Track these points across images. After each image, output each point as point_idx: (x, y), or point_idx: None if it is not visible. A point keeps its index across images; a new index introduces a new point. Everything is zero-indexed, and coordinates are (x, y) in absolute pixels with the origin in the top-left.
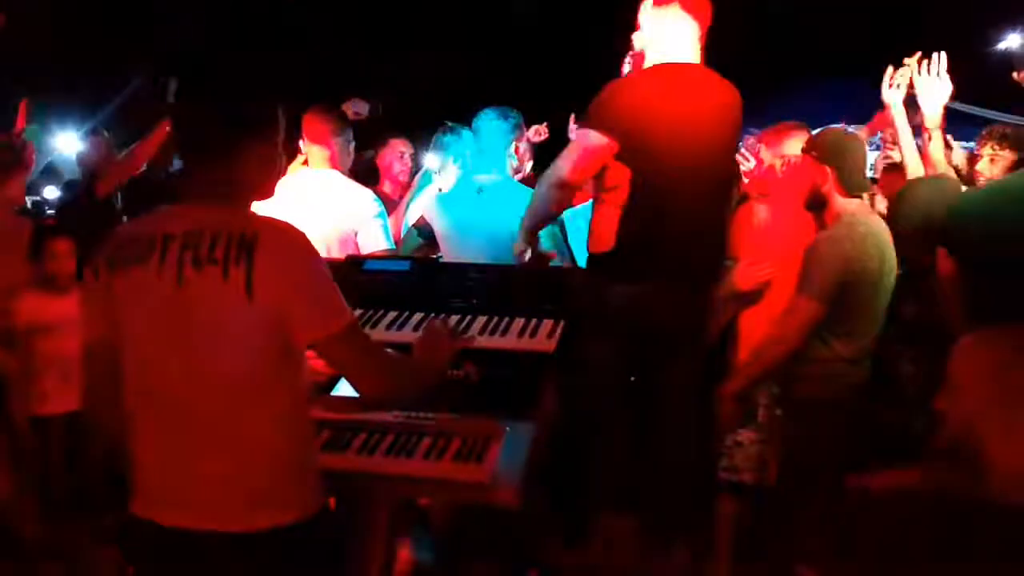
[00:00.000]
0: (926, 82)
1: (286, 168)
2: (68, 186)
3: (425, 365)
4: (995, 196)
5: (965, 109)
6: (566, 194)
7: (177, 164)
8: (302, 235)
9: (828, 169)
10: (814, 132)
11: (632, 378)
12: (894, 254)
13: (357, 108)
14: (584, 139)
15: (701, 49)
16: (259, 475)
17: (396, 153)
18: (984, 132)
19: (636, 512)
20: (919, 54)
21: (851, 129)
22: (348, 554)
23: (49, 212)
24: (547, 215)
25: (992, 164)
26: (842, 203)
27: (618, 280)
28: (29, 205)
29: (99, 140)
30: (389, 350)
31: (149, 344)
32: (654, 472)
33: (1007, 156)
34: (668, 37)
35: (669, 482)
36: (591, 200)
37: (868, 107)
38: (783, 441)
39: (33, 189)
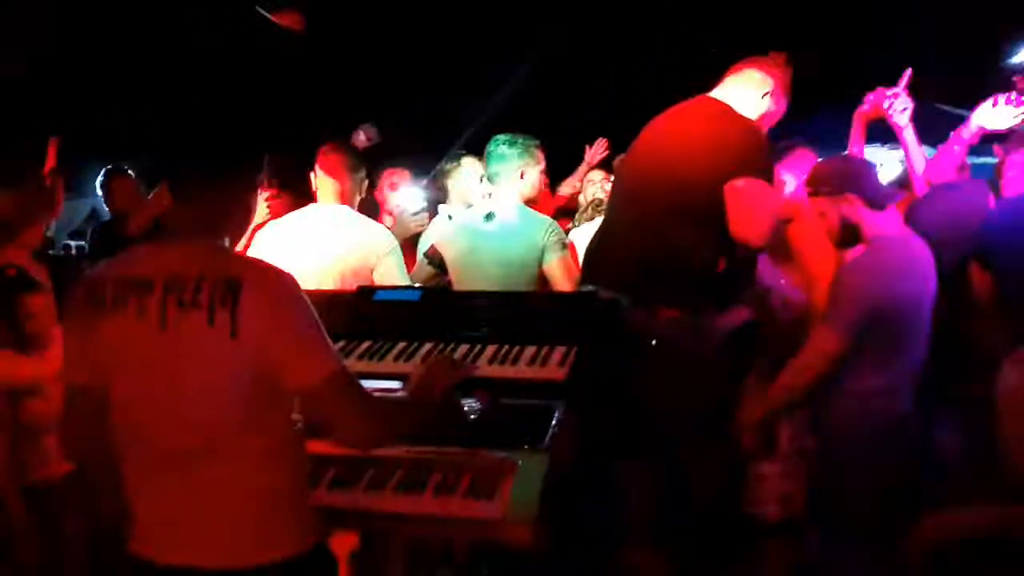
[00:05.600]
0: (999, 110)
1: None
2: (95, 232)
3: (416, 404)
4: None
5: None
6: None
7: None
8: (289, 278)
9: (850, 196)
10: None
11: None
12: (934, 274)
13: (368, 134)
14: None
15: (770, 92)
16: (250, 512)
17: (389, 184)
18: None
19: (661, 547)
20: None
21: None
22: None
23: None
24: None
25: None
26: (874, 224)
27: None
28: (74, 250)
29: (124, 180)
30: (377, 393)
31: (134, 385)
32: (671, 503)
33: None
34: (725, 84)
35: (686, 514)
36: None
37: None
38: (815, 475)
39: (81, 235)
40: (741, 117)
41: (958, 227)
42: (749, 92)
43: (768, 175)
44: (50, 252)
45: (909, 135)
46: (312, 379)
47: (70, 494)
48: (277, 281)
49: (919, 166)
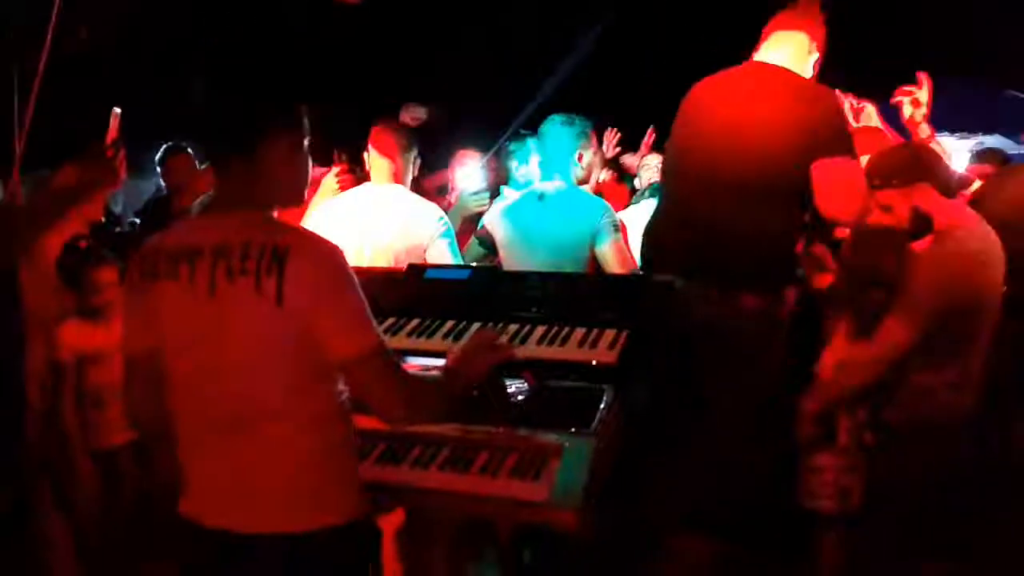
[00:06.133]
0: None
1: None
2: (146, 205)
3: (449, 384)
4: None
5: None
6: None
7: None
8: (335, 250)
9: (923, 185)
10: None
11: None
12: (1004, 262)
13: (415, 113)
14: None
15: (817, 59)
16: (293, 480)
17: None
18: None
19: (712, 535)
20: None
21: None
22: (410, 570)
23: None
24: None
25: None
26: (948, 214)
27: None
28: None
29: (181, 157)
30: (414, 371)
31: (185, 352)
32: (722, 491)
33: None
34: (765, 49)
35: (737, 503)
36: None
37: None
38: (873, 469)
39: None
40: (823, 88)
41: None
42: (801, 57)
43: (853, 149)
44: (117, 230)
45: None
46: (351, 352)
47: (133, 458)
48: (323, 251)
49: None
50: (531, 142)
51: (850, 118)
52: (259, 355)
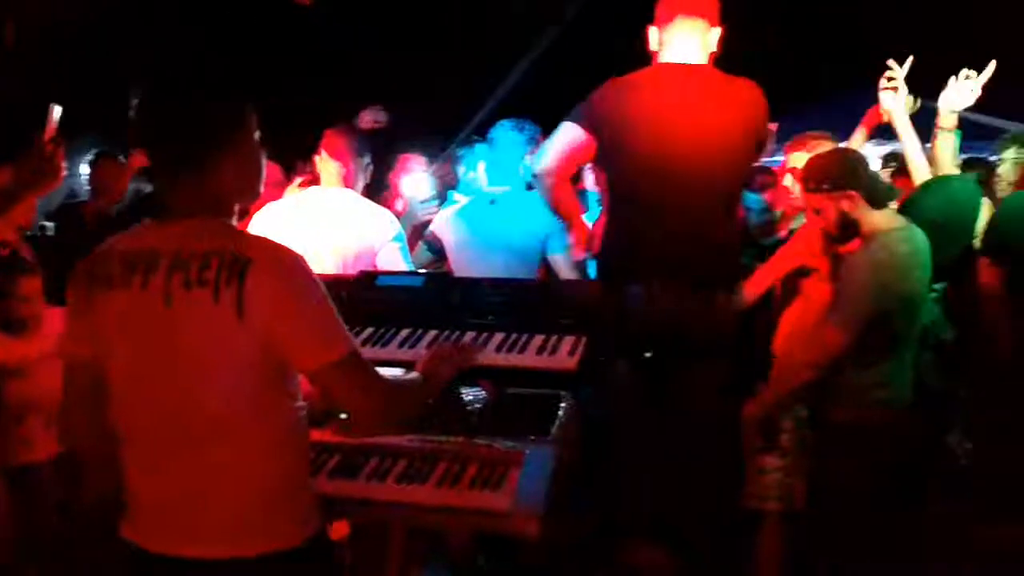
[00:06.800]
0: (959, 86)
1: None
2: (59, 209)
3: (424, 386)
4: None
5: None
6: (544, 185)
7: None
8: (298, 258)
9: (851, 193)
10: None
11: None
12: (930, 264)
13: (377, 116)
14: (563, 132)
15: (717, 45)
16: (251, 500)
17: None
18: (1006, 136)
19: (666, 541)
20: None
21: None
22: None
23: None
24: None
25: (1015, 167)
26: (874, 219)
27: (608, 281)
28: (50, 232)
29: (113, 162)
30: (386, 373)
31: (135, 364)
32: (677, 495)
33: None
34: (675, 40)
35: (691, 506)
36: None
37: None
38: (815, 467)
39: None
40: (760, 90)
41: (958, 217)
42: (708, 42)
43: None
44: (27, 233)
45: (900, 122)
46: (323, 360)
47: (54, 477)
48: (285, 261)
49: (913, 153)
50: (480, 147)
51: (883, 97)
52: (214, 369)
